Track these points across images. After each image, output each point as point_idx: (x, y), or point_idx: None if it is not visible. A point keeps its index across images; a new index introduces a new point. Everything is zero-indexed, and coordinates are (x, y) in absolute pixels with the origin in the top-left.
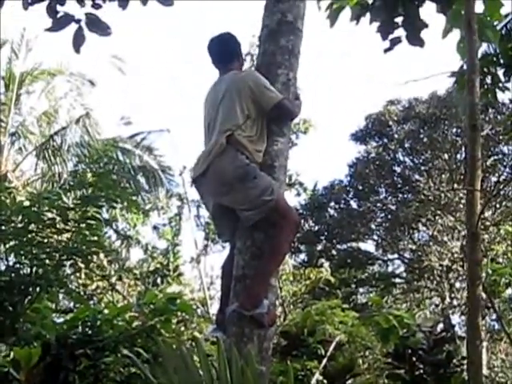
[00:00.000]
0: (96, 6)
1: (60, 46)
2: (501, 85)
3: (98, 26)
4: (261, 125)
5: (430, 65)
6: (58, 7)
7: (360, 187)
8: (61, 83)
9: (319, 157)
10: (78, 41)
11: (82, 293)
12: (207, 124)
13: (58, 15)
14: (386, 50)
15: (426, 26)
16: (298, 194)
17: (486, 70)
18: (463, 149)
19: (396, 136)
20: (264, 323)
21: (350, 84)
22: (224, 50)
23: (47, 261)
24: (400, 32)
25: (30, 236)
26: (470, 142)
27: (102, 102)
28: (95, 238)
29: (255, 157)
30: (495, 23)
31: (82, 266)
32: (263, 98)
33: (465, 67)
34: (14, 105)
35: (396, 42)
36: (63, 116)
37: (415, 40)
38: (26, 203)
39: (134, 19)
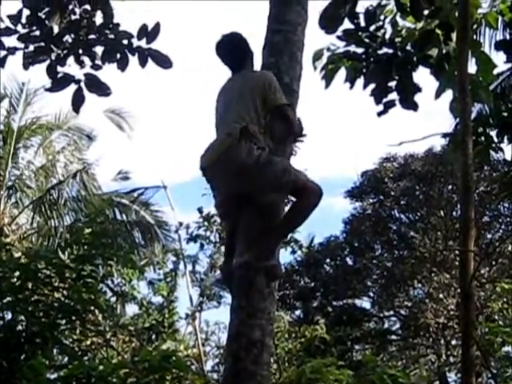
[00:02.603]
0: (95, 66)
1: (58, 101)
2: (494, 145)
3: (98, 87)
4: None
5: (426, 118)
6: (58, 68)
7: (356, 244)
8: (58, 137)
9: (315, 212)
10: (77, 101)
11: (76, 349)
12: (219, 117)
13: (58, 75)
14: (380, 114)
15: (420, 89)
16: (294, 252)
17: (479, 130)
18: (459, 206)
19: (392, 193)
20: (277, 274)
21: (346, 140)
22: (234, 50)
23: (43, 319)
24: (394, 95)
25: (26, 293)
26: (464, 202)
27: (100, 155)
28: (91, 296)
29: (266, 143)
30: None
31: (78, 323)
32: (272, 97)
33: (458, 127)
34: (11, 158)
35: (390, 105)
36: (60, 170)
37: (408, 104)
38: (23, 260)
39: (133, 72)
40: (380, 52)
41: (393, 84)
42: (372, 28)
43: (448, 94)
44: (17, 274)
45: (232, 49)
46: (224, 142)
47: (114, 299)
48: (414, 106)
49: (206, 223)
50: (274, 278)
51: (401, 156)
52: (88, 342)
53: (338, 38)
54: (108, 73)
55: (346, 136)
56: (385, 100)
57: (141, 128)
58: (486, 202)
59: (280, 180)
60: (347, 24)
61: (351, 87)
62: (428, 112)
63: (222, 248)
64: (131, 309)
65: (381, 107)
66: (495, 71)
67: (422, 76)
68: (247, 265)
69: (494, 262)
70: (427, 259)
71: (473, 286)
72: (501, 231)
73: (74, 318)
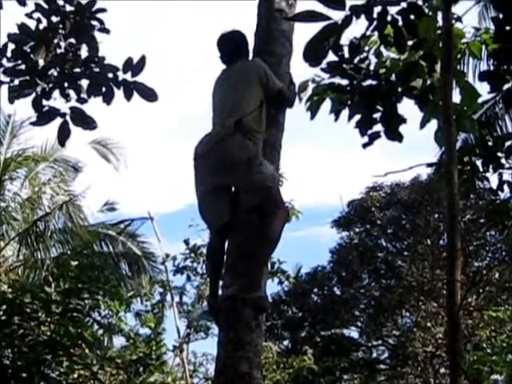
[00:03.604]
0: (81, 100)
1: (44, 132)
2: (479, 175)
3: (83, 120)
4: (264, 109)
5: (412, 147)
6: (44, 101)
7: (343, 273)
8: (44, 169)
9: (301, 242)
10: (63, 135)
11: (63, 382)
12: (216, 109)
13: (44, 109)
14: (365, 145)
15: (404, 121)
16: (281, 282)
17: (465, 159)
18: (445, 235)
19: (379, 222)
20: (264, 306)
21: (332, 169)
22: (234, 48)
23: (29, 353)
24: (378, 127)
25: (12, 328)
26: (450, 232)
27: (86, 187)
28: (78, 330)
29: (259, 140)
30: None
31: (64, 358)
32: (269, 84)
33: (444, 156)
34: None
35: (375, 137)
36: (47, 202)
37: (393, 135)
38: (9, 294)
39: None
40: (364, 84)
41: (378, 115)
42: (356, 59)
43: (433, 124)
44: (3, 308)
45: (232, 47)
46: (219, 134)
47: (101, 331)
48: (398, 137)
49: (192, 254)
50: (261, 310)
51: (387, 185)
52: (75, 375)
53: (322, 70)
54: (94, 104)
55: (331, 165)
56: (370, 132)
57: (127, 158)
58: (472, 230)
59: (265, 182)
60: (332, 56)
61: (336, 119)
62: (413, 141)
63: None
64: (118, 341)
65: (366, 139)
66: (480, 100)
67: (407, 105)
68: (234, 297)
69: (481, 290)
70: (415, 288)
71: (460, 314)
72: (488, 259)
73: (60, 352)
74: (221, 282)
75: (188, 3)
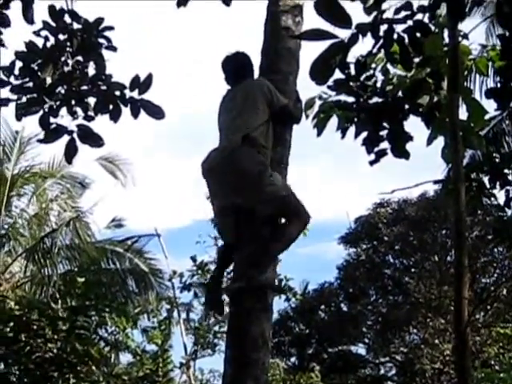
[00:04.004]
0: (88, 118)
1: (52, 149)
2: (486, 191)
3: (90, 138)
4: (271, 126)
5: (419, 163)
6: (51, 119)
7: (350, 290)
8: (52, 186)
9: (308, 258)
10: (70, 152)
11: None
12: (223, 124)
13: (51, 127)
14: (372, 163)
15: (411, 138)
16: (288, 299)
17: (472, 175)
18: (453, 251)
19: (386, 238)
20: (274, 287)
21: (339, 185)
22: (238, 69)
23: (36, 370)
24: (385, 144)
25: (19, 345)
26: (457, 249)
27: (93, 203)
28: (84, 347)
29: (267, 155)
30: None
31: (71, 375)
32: (274, 100)
33: (451, 173)
34: (4, 207)
35: (381, 154)
36: (54, 218)
37: (400, 152)
38: (16, 311)
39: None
40: (371, 101)
41: (384, 133)
42: (363, 77)
43: (440, 140)
44: (10, 325)
45: (236, 68)
46: (226, 148)
47: (107, 348)
48: (405, 155)
49: (199, 271)
50: (274, 290)
51: (394, 201)
52: None
53: (329, 88)
54: (101, 120)
55: (339, 182)
56: (376, 149)
57: (134, 175)
58: (480, 246)
59: (278, 193)
60: (338, 74)
61: (342, 137)
62: (420, 158)
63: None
64: (125, 357)
65: (373, 156)
66: (486, 116)
67: (414, 122)
68: (241, 290)
69: (489, 307)
70: (422, 304)
71: (468, 331)
72: (495, 275)
73: (67, 369)
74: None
75: (193, 20)
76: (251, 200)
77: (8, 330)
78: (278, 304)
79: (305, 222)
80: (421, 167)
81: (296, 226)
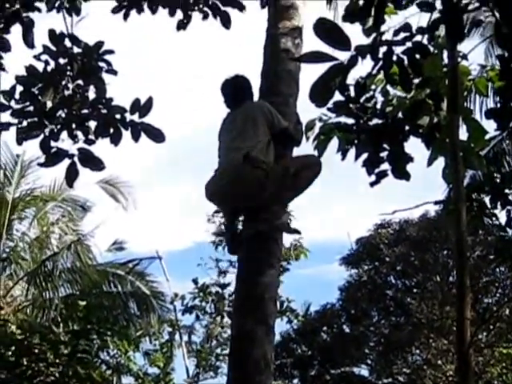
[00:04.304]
0: (89, 141)
1: (53, 172)
2: (487, 211)
3: (91, 161)
4: (272, 146)
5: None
6: (52, 142)
7: (352, 311)
8: (53, 209)
9: (310, 280)
10: (71, 176)
11: None
12: (224, 146)
13: (52, 150)
14: (372, 184)
15: (411, 159)
16: (290, 321)
17: (473, 195)
18: (455, 271)
19: (387, 259)
20: (289, 229)
21: (340, 205)
22: (237, 93)
23: None
24: (386, 165)
25: (21, 369)
26: (459, 269)
27: (94, 226)
28: (86, 371)
29: (268, 167)
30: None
31: None
32: (275, 122)
33: (452, 194)
34: (5, 230)
35: (382, 175)
36: (55, 242)
37: (400, 174)
38: (18, 335)
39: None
40: (371, 123)
41: (385, 154)
42: (363, 98)
43: (440, 160)
44: (11, 349)
45: (236, 91)
46: (228, 169)
47: (109, 371)
48: (406, 176)
49: (201, 294)
50: (288, 232)
51: (395, 222)
52: None
53: (329, 110)
54: (102, 142)
55: (339, 202)
56: (377, 170)
57: (135, 198)
58: (481, 266)
59: (284, 183)
60: (338, 95)
61: (343, 158)
62: (421, 177)
63: (218, 319)
64: (127, 380)
65: (373, 177)
66: (487, 136)
67: (414, 142)
68: (257, 237)
69: (491, 327)
70: (424, 325)
71: (470, 352)
72: (497, 295)
73: None
74: None
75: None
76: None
77: (10, 353)
78: (280, 326)
79: (316, 170)
80: (421, 187)
81: (307, 175)
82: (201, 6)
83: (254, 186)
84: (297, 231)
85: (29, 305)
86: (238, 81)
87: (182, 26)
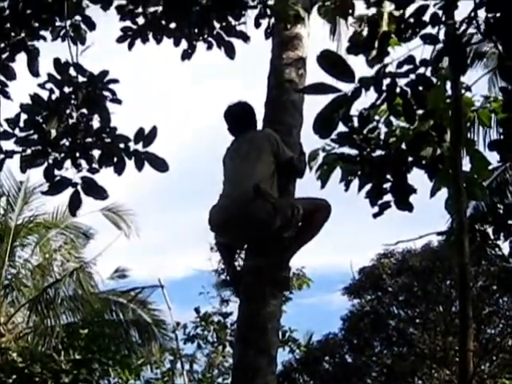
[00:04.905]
0: (92, 170)
1: (56, 199)
2: (490, 242)
3: (94, 190)
4: (276, 177)
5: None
6: (56, 171)
7: (355, 341)
8: (56, 236)
9: (312, 309)
10: (74, 204)
11: None
12: (230, 176)
13: (55, 179)
14: (375, 215)
15: (414, 191)
16: (292, 351)
17: (476, 226)
18: (458, 301)
19: (390, 289)
20: (288, 286)
21: (342, 235)
22: (242, 119)
23: None
24: (389, 197)
25: None
26: (461, 301)
27: (97, 253)
28: None
29: (276, 201)
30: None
31: None
32: (280, 152)
33: (454, 224)
34: (8, 257)
35: (385, 207)
36: (57, 269)
37: (404, 205)
38: (19, 363)
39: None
40: (374, 154)
41: (388, 185)
42: (366, 129)
43: (444, 191)
44: (13, 377)
45: (240, 118)
46: (237, 200)
47: None
48: (409, 207)
49: (203, 323)
50: (284, 289)
51: (398, 252)
52: None
53: (332, 141)
54: (105, 170)
55: (342, 232)
56: (380, 201)
57: (138, 225)
58: (484, 296)
59: (291, 220)
60: (341, 126)
61: (346, 189)
62: (424, 207)
63: (220, 348)
64: None
65: (376, 208)
66: (490, 167)
67: (417, 173)
68: (259, 271)
69: (494, 358)
70: (427, 356)
71: (473, 382)
72: (500, 326)
73: None
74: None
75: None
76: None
77: (11, 382)
78: (282, 356)
79: (326, 209)
80: (425, 217)
81: (320, 216)
82: (205, 36)
83: (263, 220)
84: (287, 289)
85: (30, 332)
86: (241, 107)
87: (186, 55)
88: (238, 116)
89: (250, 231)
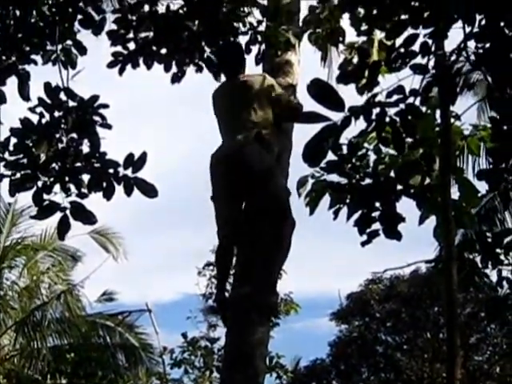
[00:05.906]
0: (82, 195)
1: (44, 221)
2: (478, 271)
3: (83, 215)
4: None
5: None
6: (44, 195)
7: (342, 367)
8: (43, 258)
9: (300, 334)
10: (63, 228)
11: None
12: (227, 122)
13: (44, 203)
14: (364, 244)
15: (403, 219)
16: (279, 377)
17: (464, 254)
18: (445, 328)
19: (378, 315)
20: (275, 312)
21: (329, 260)
22: (237, 60)
23: None
24: (377, 225)
25: None
26: (449, 329)
27: (85, 276)
28: None
29: (275, 153)
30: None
31: None
32: (278, 95)
33: (443, 252)
34: None
35: (373, 235)
36: (44, 291)
37: (392, 234)
38: None
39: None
40: (363, 183)
41: (376, 214)
42: (355, 157)
43: (432, 218)
44: None
45: (235, 58)
46: (237, 142)
47: None
48: (397, 236)
49: (190, 348)
50: (272, 315)
51: (386, 278)
52: None
53: (322, 169)
54: (93, 194)
55: (330, 257)
56: (368, 230)
57: (126, 249)
58: (472, 324)
59: (279, 193)
60: (331, 155)
61: (335, 218)
62: (412, 234)
63: (207, 373)
64: None
65: (365, 237)
66: (479, 195)
67: (406, 200)
68: (246, 299)
69: None
70: (414, 382)
71: None
72: (488, 353)
73: None
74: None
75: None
76: (254, 194)
77: None
78: (269, 382)
79: (293, 225)
80: (413, 244)
81: (288, 228)
82: (195, 60)
83: (261, 169)
84: (275, 315)
85: (16, 354)
86: (238, 47)
87: (176, 79)
88: (234, 56)
89: (241, 177)
